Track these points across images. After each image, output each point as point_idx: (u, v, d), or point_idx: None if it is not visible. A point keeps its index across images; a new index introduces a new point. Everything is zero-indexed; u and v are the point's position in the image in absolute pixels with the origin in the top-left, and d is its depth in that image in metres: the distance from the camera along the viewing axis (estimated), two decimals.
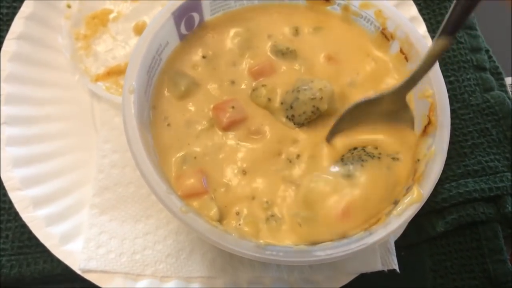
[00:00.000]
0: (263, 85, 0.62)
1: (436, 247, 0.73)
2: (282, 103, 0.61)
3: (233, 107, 0.60)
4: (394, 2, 0.79)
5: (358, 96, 0.62)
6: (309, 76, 0.63)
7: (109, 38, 0.77)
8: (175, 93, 0.61)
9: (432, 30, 0.82)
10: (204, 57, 0.64)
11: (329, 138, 0.61)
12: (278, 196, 0.57)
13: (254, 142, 0.60)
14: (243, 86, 0.63)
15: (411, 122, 0.60)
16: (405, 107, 0.59)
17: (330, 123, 0.61)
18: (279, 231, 0.55)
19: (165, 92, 0.61)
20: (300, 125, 0.61)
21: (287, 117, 0.61)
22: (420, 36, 0.60)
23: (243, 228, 0.55)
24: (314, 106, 0.60)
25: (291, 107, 0.61)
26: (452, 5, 0.48)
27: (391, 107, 0.58)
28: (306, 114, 0.60)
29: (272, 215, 0.56)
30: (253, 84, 0.63)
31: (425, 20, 0.81)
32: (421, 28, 0.79)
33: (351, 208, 0.54)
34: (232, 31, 0.66)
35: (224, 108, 0.60)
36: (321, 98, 0.59)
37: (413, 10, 0.80)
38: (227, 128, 0.60)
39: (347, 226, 0.54)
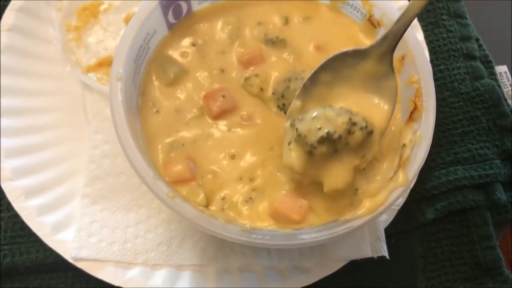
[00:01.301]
0: (256, 75, 0.63)
1: (426, 234, 0.73)
2: (273, 93, 0.62)
3: (223, 96, 0.61)
4: None
5: None
6: (298, 65, 0.63)
7: (100, 30, 0.78)
8: (163, 80, 0.61)
9: (422, 19, 0.82)
10: (193, 44, 0.64)
11: (301, 95, 0.57)
12: (263, 175, 0.58)
13: (245, 128, 0.60)
14: (233, 75, 0.63)
15: (393, 95, 0.56)
16: (389, 73, 0.56)
17: None
18: (255, 213, 0.56)
19: (154, 79, 0.61)
20: None
21: (278, 106, 0.62)
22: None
23: (229, 213, 0.55)
24: None
25: (282, 96, 0.61)
26: None
27: (375, 69, 0.56)
28: None
29: (251, 197, 0.57)
30: (245, 73, 0.63)
31: None
32: None
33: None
34: (222, 20, 0.66)
35: (214, 97, 0.61)
36: None
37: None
38: (217, 116, 0.60)
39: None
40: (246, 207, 0.56)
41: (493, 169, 0.73)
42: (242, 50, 0.64)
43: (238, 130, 0.60)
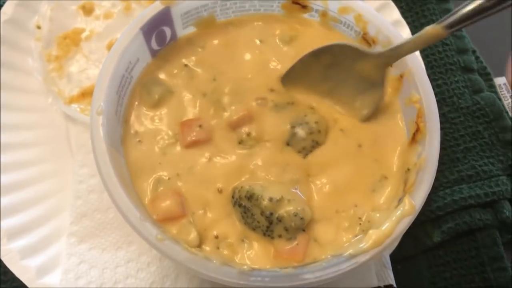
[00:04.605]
0: (248, 134, 0.58)
1: (433, 258, 0.69)
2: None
3: (200, 126, 0.57)
4: (375, 5, 0.76)
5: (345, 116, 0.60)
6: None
7: (82, 58, 0.74)
8: (147, 102, 0.57)
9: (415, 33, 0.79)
10: (185, 65, 0.61)
11: (286, 78, 0.60)
12: None
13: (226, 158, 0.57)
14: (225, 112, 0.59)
15: (376, 104, 0.58)
16: (380, 81, 0.57)
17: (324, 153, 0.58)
18: (253, 252, 0.52)
19: (137, 104, 0.58)
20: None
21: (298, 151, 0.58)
22: (402, 39, 0.57)
23: (224, 252, 0.51)
24: (313, 141, 0.57)
25: (288, 144, 0.58)
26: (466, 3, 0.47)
27: (367, 71, 0.57)
28: (307, 150, 0.58)
29: (246, 236, 0.53)
30: (236, 131, 0.58)
31: (408, 23, 0.78)
32: (405, 31, 0.76)
33: None
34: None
35: (190, 125, 0.57)
36: (319, 131, 0.57)
37: (396, 14, 0.77)
38: (188, 146, 0.56)
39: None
40: (243, 246, 0.52)
41: (499, 186, 0.70)
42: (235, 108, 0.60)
43: (219, 160, 0.56)
